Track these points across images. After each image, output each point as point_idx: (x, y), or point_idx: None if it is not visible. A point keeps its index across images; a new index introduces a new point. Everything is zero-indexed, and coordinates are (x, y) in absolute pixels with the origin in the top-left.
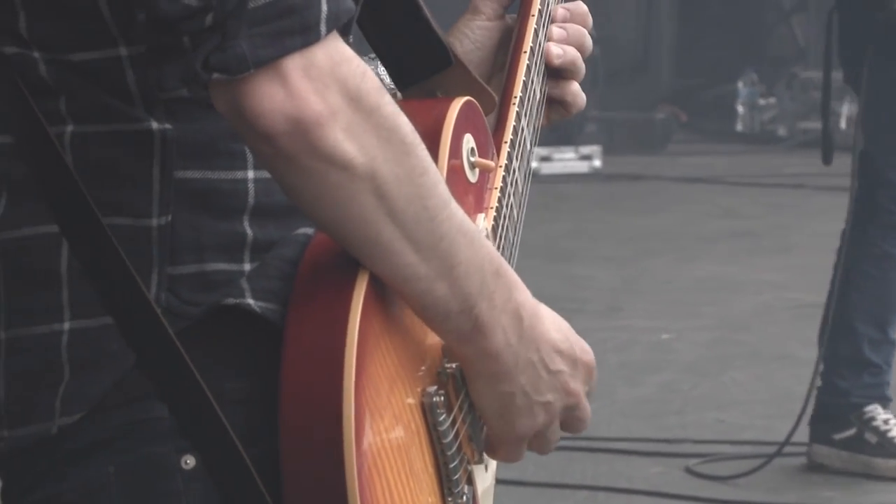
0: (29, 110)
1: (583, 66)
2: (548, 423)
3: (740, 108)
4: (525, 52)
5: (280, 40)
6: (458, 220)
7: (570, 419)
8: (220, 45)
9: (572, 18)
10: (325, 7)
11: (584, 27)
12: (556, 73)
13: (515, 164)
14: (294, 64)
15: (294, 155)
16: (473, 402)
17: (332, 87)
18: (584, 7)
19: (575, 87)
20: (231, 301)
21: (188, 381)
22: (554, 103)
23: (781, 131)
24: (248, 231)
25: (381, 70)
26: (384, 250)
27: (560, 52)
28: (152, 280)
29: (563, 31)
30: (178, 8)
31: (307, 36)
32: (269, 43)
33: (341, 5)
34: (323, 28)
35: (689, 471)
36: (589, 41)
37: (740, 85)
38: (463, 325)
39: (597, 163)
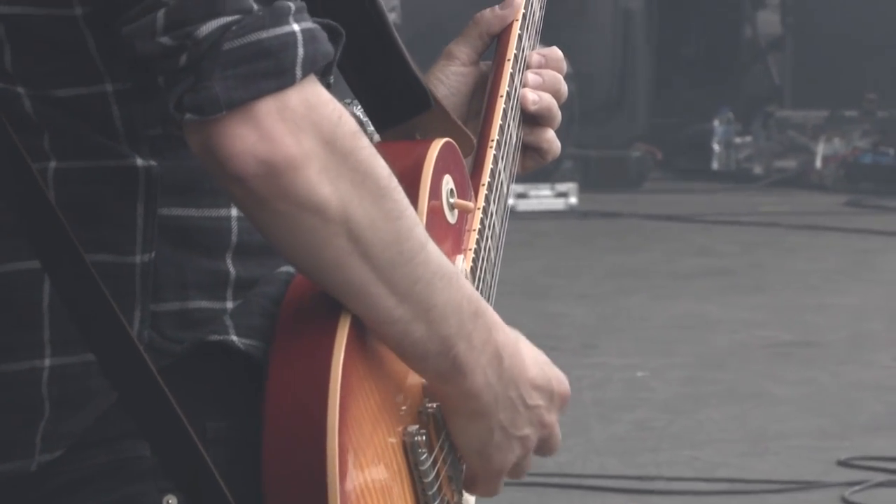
0: (12, 146)
1: (558, 112)
2: (523, 455)
3: (716, 147)
4: (501, 96)
5: (254, 83)
6: (435, 263)
7: (541, 446)
8: (194, 85)
9: (547, 64)
10: (301, 51)
11: (560, 73)
12: (531, 120)
13: (493, 206)
14: (267, 107)
15: (266, 198)
16: (452, 439)
17: (307, 131)
18: (559, 53)
19: (550, 133)
20: (216, 338)
21: (171, 420)
22: (529, 150)
23: (757, 170)
24: (231, 269)
25: (359, 111)
26: (359, 293)
27: (536, 98)
28: (135, 317)
29: (538, 78)
30: (153, 47)
31: (282, 79)
32: (242, 85)
33: (318, 49)
34: (299, 72)
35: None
36: (564, 87)
37: (716, 123)
38: (442, 366)
39: (573, 200)
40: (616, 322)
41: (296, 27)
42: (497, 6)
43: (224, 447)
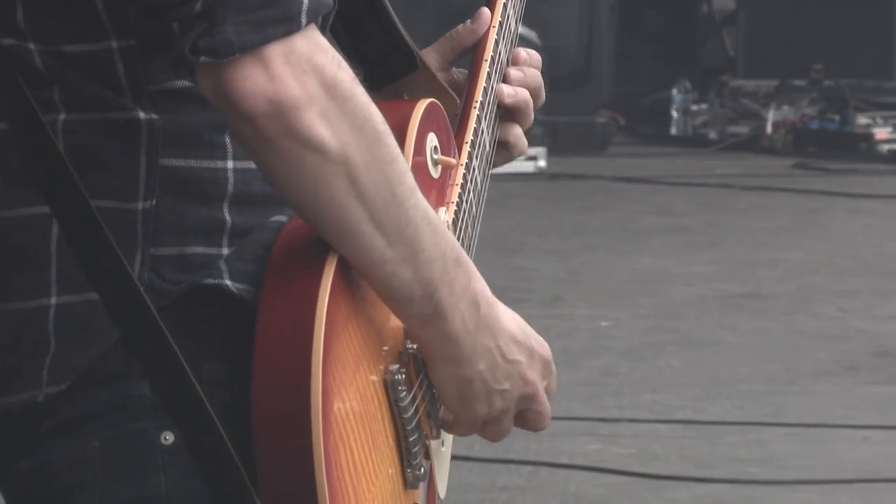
0: (24, 99)
1: (531, 112)
2: (504, 410)
3: (674, 114)
4: (486, 60)
5: (264, 28)
6: (423, 209)
7: (528, 413)
8: (208, 30)
9: (531, 63)
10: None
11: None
12: (505, 115)
13: (475, 163)
14: (276, 51)
15: (272, 136)
16: (434, 384)
17: (310, 74)
18: (538, 57)
19: (518, 129)
20: (210, 281)
21: (169, 358)
22: (498, 145)
23: (712, 135)
24: (227, 217)
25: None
26: (353, 232)
27: (512, 92)
28: (136, 259)
29: (520, 73)
30: None
31: (289, 25)
32: (253, 30)
33: None
34: (304, 19)
35: None
36: (543, 90)
37: (674, 92)
38: (424, 310)
39: (542, 163)
40: (582, 276)
41: None
42: (468, 21)
43: (219, 388)
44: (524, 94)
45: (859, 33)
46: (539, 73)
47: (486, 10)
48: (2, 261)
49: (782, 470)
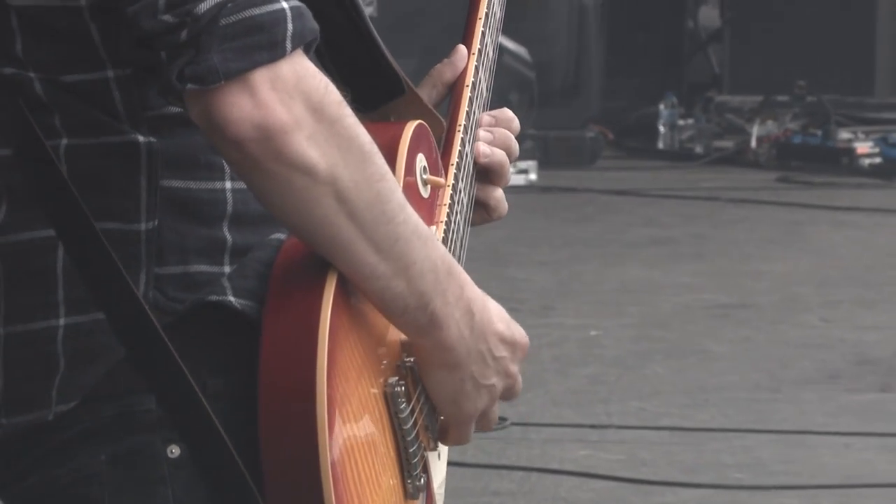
0: (27, 125)
1: (508, 172)
2: (490, 404)
3: (661, 128)
4: (467, 85)
5: (249, 55)
6: (413, 224)
7: (505, 393)
8: (194, 58)
9: (498, 123)
10: (290, 26)
11: (511, 131)
12: (482, 177)
13: (461, 184)
14: (262, 77)
15: (261, 160)
16: (427, 390)
17: (297, 99)
18: (510, 112)
19: (499, 192)
20: (214, 298)
21: (174, 374)
22: (478, 206)
23: (698, 149)
24: (228, 236)
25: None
26: (345, 250)
27: (488, 151)
28: (140, 279)
29: (489, 135)
30: (156, 24)
31: (274, 52)
32: (238, 57)
33: (306, 25)
34: (289, 45)
35: None
36: (516, 145)
37: (662, 107)
38: (420, 320)
39: (533, 176)
40: (572, 286)
41: (285, 4)
42: (447, 58)
43: (223, 402)
44: (500, 154)
45: (842, 50)
46: (508, 133)
47: (462, 47)
48: (10, 284)
49: (766, 475)
